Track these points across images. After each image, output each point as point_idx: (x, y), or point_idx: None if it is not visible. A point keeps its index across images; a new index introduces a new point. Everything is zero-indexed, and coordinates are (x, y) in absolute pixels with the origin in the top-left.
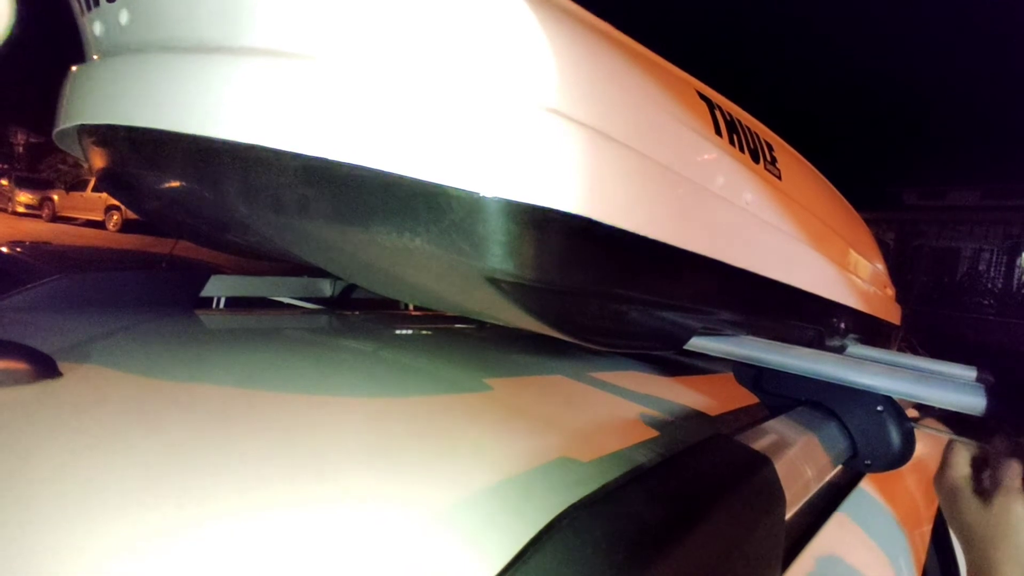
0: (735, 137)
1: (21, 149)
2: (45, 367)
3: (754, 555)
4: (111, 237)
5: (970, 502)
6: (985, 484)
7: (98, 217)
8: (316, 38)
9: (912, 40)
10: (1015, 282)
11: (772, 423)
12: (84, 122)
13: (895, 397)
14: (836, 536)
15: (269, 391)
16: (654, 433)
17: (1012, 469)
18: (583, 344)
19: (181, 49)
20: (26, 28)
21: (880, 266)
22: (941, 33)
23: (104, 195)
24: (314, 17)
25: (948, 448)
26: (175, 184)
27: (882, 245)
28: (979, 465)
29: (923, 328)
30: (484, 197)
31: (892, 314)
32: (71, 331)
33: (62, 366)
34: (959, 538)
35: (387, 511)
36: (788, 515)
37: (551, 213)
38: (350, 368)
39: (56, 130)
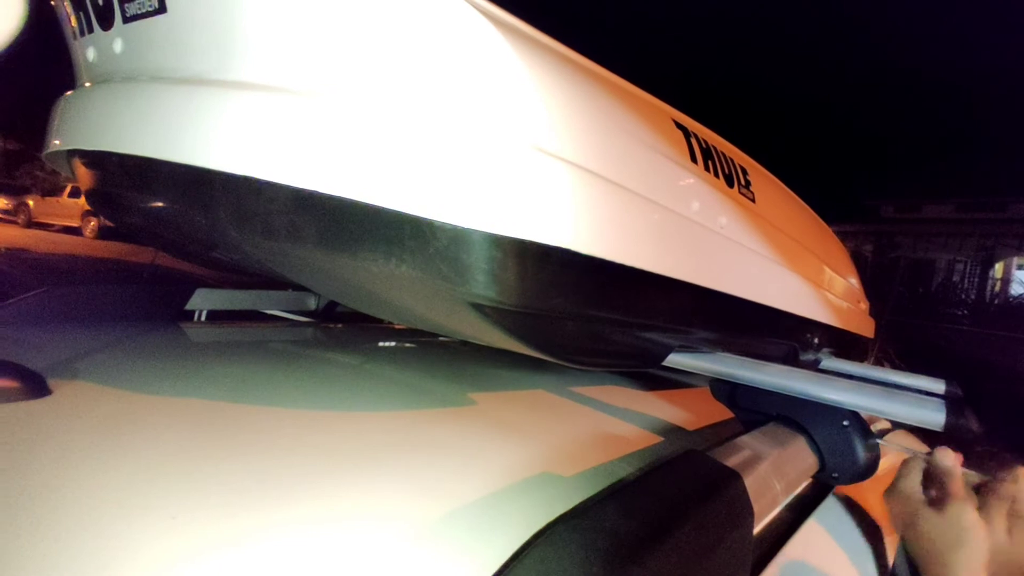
0: (710, 163)
1: None
2: (35, 385)
3: (723, 567)
4: (89, 244)
5: (925, 513)
6: (936, 495)
7: (74, 223)
8: (308, 74)
9: (887, 55)
10: (988, 293)
11: (744, 439)
12: (76, 147)
13: (861, 412)
14: (804, 547)
15: (258, 405)
16: (633, 448)
17: (957, 479)
18: (565, 364)
19: (175, 80)
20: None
21: (854, 281)
22: (916, 48)
23: (80, 201)
24: (306, 54)
25: (903, 463)
26: (165, 207)
27: (859, 257)
28: (929, 478)
29: (899, 339)
30: (468, 228)
31: (866, 328)
32: (59, 346)
33: (51, 383)
34: (914, 549)
35: (369, 524)
36: (757, 528)
37: (533, 245)
38: (335, 381)
39: (47, 152)
